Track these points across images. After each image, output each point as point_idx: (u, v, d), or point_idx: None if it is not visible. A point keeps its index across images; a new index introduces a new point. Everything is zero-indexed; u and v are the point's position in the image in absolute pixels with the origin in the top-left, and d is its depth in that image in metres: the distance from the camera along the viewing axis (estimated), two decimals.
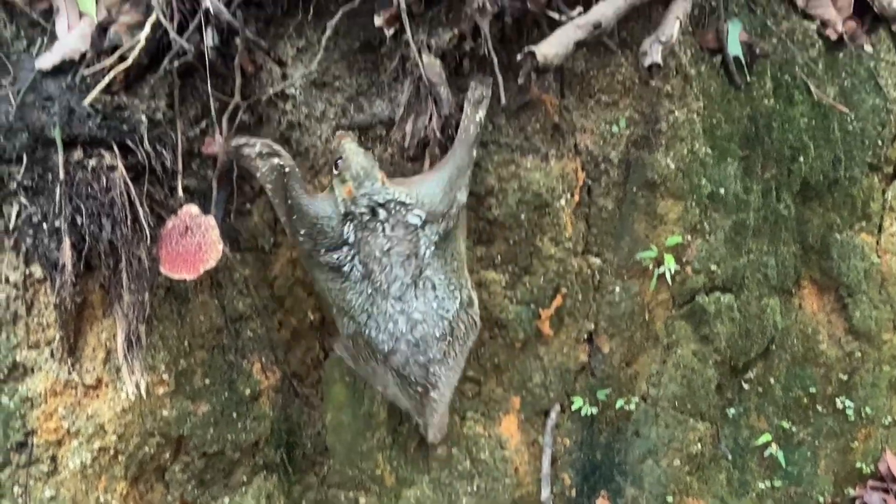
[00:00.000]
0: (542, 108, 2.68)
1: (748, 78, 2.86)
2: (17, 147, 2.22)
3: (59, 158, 2.23)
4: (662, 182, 2.75)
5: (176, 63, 2.31)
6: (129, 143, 2.28)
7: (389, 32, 2.49)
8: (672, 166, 2.74)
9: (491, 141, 2.62)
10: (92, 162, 2.26)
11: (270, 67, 2.47)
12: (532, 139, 2.68)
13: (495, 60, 2.48)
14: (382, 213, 2.29)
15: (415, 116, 2.54)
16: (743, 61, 2.82)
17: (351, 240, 2.31)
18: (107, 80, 2.22)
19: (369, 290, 2.32)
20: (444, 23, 2.55)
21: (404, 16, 2.44)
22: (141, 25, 2.27)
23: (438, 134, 2.52)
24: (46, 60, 2.29)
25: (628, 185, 2.78)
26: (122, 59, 2.24)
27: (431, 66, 2.50)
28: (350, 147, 2.34)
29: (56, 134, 2.22)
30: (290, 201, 2.35)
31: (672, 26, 2.41)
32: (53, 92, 2.26)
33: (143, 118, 2.29)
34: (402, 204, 2.31)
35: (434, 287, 2.35)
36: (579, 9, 2.53)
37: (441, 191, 2.37)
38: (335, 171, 2.34)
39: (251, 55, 2.42)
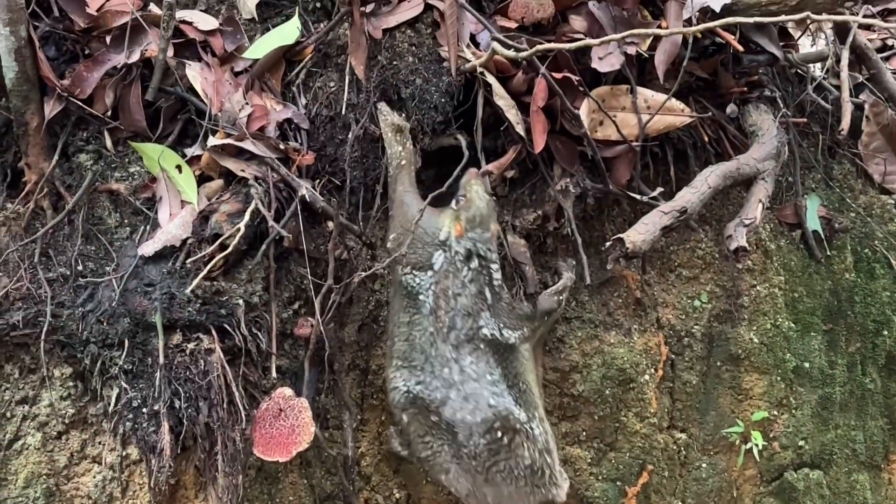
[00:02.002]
0: (624, 284, 2.71)
1: (828, 252, 2.88)
2: (119, 332, 2.27)
3: (160, 343, 2.28)
4: (746, 356, 2.75)
5: (272, 248, 2.38)
6: (227, 326, 2.32)
7: None
8: (756, 340, 2.74)
9: (574, 317, 2.65)
10: (190, 346, 2.30)
11: (361, 250, 2.53)
12: (615, 314, 2.70)
13: (579, 241, 2.53)
14: (475, 263, 2.28)
15: None
16: (822, 235, 2.85)
17: (437, 266, 2.30)
18: (208, 267, 2.28)
19: (431, 329, 2.28)
20: (528, 203, 2.62)
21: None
22: (240, 213, 2.35)
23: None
24: (149, 247, 2.36)
25: (712, 359, 2.77)
26: (223, 246, 2.31)
27: (516, 246, 2.56)
28: (477, 190, 2.34)
29: (157, 319, 2.27)
30: (393, 194, 2.40)
31: (755, 209, 2.44)
32: (155, 278, 2.33)
33: (241, 302, 2.34)
34: (491, 271, 2.30)
35: (488, 362, 2.29)
36: (660, 188, 2.59)
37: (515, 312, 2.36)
38: (454, 206, 2.35)
39: (343, 239, 2.49)
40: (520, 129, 2.46)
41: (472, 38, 2.59)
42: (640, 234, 2.25)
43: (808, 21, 2.03)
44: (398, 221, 2.40)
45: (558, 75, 2.46)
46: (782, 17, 2.10)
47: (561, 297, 2.44)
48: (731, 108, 2.74)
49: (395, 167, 2.41)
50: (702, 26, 2.14)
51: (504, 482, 2.30)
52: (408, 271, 2.33)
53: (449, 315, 2.27)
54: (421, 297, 2.30)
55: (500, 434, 2.25)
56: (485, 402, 2.25)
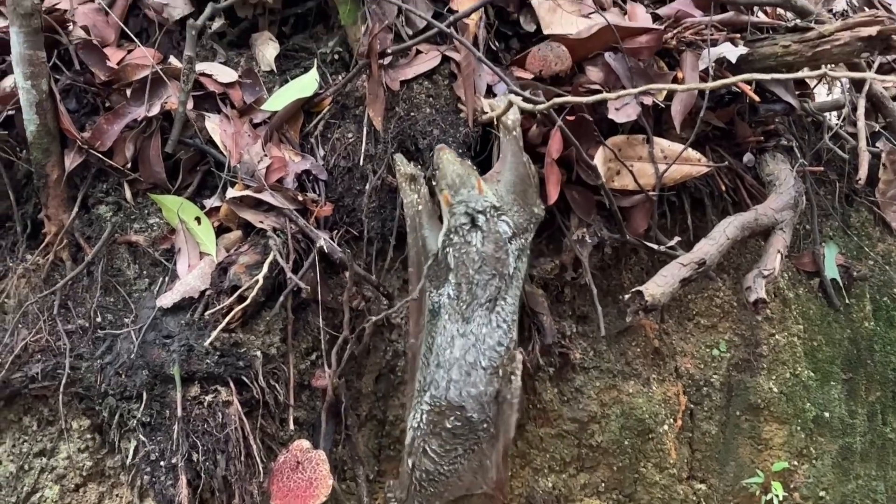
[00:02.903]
0: (642, 333, 2.71)
1: (847, 300, 2.87)
2: (138, 384, 2.27)
3: (178, 395, 2.28)
4: (766, 406, 2.73)
5: (290, 299, 2.39)
6: (245, 378, 2.32)
7: None
8: (775, 390, 2.73)
9: (592, 367, 2.64)
10: (208, 398, 2.30)
11: (377, 300, 2.53)
12: (633, 364, 2.69)
13: (594, 291, 2.52)
14: (481, 220, 2.22)
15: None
16: (840, 284, 2.84)
17: (452, 264, 2.23)
18: (227, 320, 2.29)
19: (449, 324, 2.21)
20: (545, 253, 2.62)
21: None
22: (258, 265, 2.36)
23: (541, 361, 2.55)
24: (167, 299, 2.37)
25: (731, 408, 2.76)
26: (241, 298, 2.31)
27: (534, 296, 2.55)
28: (446, 157, 2.34)
29: (175, 371, 2.27)
30: (410, 240, 2.39)
31: (773, 260, 2.44)
32: (173, 330, 2.34)
33: (259, 354, 2.34)
34: (495, 208, 2.25)
35: (498, 315, 2.21)
36: (677, 238, 2.59)
37: (514, 197, 2.32)
38: (433, 182, 2.35)
39: (360, 289, 2.49)
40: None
41: (489, 88, 2.61)
42: (658, 286, 2.24)
43: (826, 77, 2.03)
44: (423, 256, 2.35)
45: (572, 118, 2.46)
46: (800, 74, 2.11)
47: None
48: (747, 157, 2.75)
49: (411, 216, 2.41)
50: (718, 83, 2.15)
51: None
52: (434, 293, 2.27)
53: (471, 292, 2.19)
54: (443, 299, 2.23)
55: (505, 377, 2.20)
56: (480, 368, 2.18)
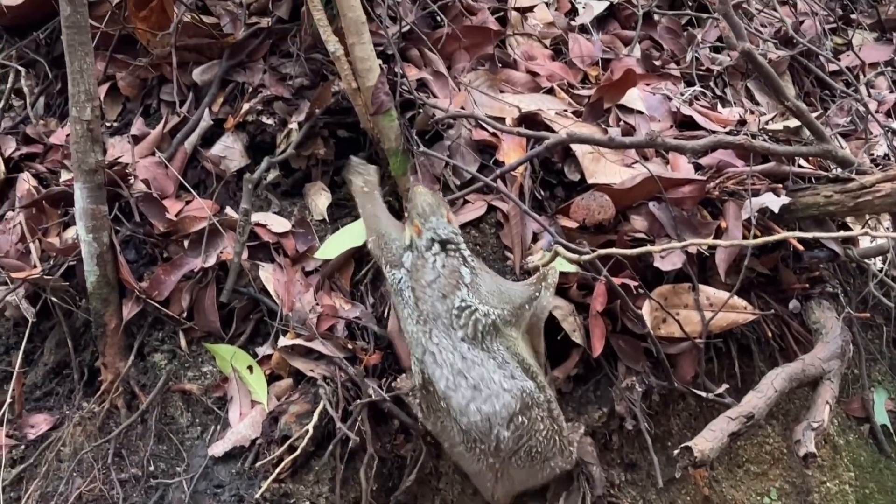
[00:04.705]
0: (691, 481, 2.68)
1: None
2: None
3: None
4: None
5: (339, 449, 2.40)
6: None
7: None
8: None
9: None
10: None
11: (426, 448, 2.54)
12: None
13: (649, 442, 2.52)
14: (437, 247, 2.24)
15: (566, 495, 2.55)
16: (891, 430, 2.81)
17: (407, 265, 2.28)
18: (277, 470, 2.31)
19: (421, 321, 2.23)
20: (592, 401, 2.63)
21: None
22: (308, 414, 2.40)
23: None
24: (219, 448, 2.40)
25: None
26: (292, 448, 2.34)
27: (583, 445, 2.55)
28: (418, 190, 2.37)
29: None
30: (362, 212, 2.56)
31: (822, 411, 2.43)
32: (224, 479, 2.37)
33: None
34: (461, 252, 2.26)
35: (485, 345, 2.21)
36: (725, 385, 2.58)
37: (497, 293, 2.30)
38: (405, 215, 2.40)
39: (408, 437, 2.50)
40: (577, 338, 2.50)
41: (535, 236, 2.66)
42: (707, 441, 2.23)
43: (868, 233, 2.06)
44: (372, 229, 2.52)
45: (619, 280, 2.49)
46: (842, 234, 2.14)
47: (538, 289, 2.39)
48: (793, 304, 2.76)
49: (360, 197, 2.58)
50: (762, 240, 2.19)
51: (521, 467, 2.29)
52: (387, 269, 2.37)
53: (428, 304, 2.23)
54: (405, 293, 2.28)
55: (521, 419, 2.21)
56: (498, 387, 2.18)
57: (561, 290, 2.53)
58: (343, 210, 2.75)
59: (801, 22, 3.63)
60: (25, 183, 2.75)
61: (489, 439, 2.22)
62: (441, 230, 2.26)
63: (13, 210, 2.75)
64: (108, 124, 2.90)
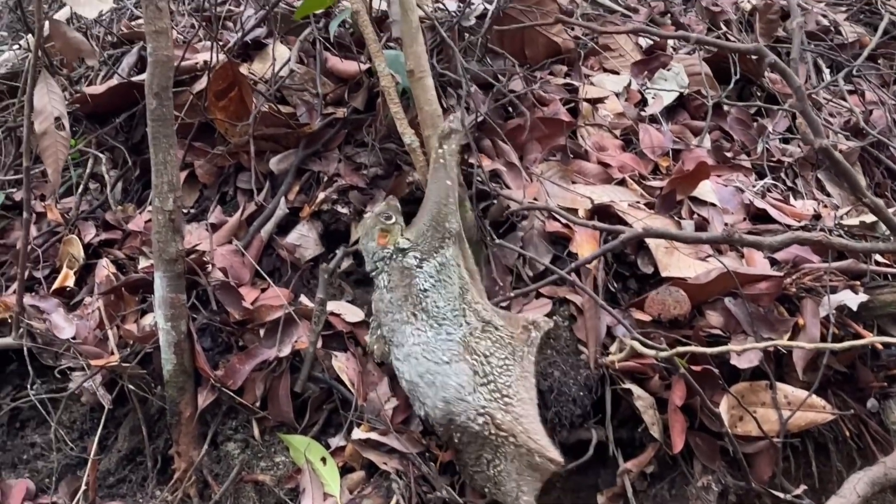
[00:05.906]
0: None
1: None
2: None
3: None
4: None
5: None
6: None
7: None
8: None
9: None
10: None
11: None
12: None
13: None
14: (381, 266, 2.44)
15: None
16: None
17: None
18: None
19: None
20: (667, 499, 2.58)
21: (629, 494, 2.49)
22: None
23: None
24: None
25: None
26: None
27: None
28: (366, 215, 2.58)
29: None
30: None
31: None
32: None
33: None
34: (401, 250, 2.41)
35: (430, 315, 2.35)
36: (803, 486, 2.53)
37: (428, 227, 2.41)
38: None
39: None
40: (655, 431, 2.47)
41: (609, 330, 2.65)
42: None
43: None
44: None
45: (697, 369, 2.47)
46: None
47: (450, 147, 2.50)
48: (871, 403, 2.71)
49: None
50: (846, 344, 2.18)
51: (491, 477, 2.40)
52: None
53: (391, 323, 2.42)
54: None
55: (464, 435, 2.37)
56: (442, 364, 2.36)
57: (640, 381, 2.52)
58: None
59: (871, 112, 3.62)
60: (105, 269, 2.79)
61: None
62: (374, 253, 2.46)
63: (91, 296, 2.78)
64: (185, 210, 2.94)
